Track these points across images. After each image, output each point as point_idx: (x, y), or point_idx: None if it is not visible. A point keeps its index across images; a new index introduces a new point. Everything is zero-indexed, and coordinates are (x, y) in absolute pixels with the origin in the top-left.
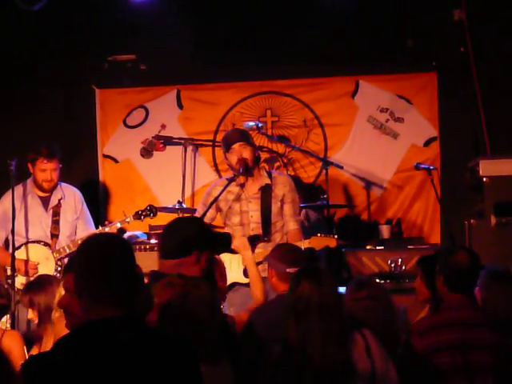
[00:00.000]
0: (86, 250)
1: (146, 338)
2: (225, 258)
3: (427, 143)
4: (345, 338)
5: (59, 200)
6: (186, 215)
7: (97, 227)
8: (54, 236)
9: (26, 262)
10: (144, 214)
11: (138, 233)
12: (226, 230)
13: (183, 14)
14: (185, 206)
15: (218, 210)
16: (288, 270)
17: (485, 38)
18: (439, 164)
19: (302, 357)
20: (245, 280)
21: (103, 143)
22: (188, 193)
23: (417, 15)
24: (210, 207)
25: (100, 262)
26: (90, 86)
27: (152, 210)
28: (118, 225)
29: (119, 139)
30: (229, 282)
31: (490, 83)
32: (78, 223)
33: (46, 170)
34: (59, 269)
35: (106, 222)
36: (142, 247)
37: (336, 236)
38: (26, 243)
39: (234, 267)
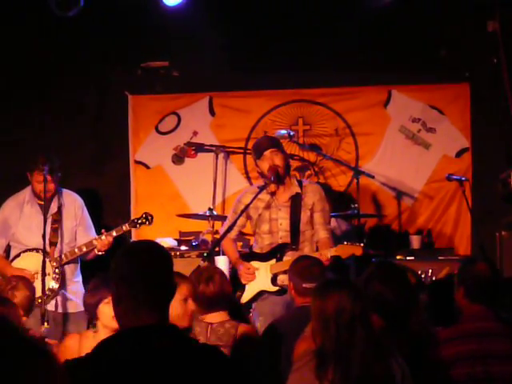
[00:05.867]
0: (127, 257)
1: (182, 346)
2: (254, 265)
3: (459, 154)
4: (383, 349)
5: (58, 207)
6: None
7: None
8: (53, 244)
9: (22, 270)
10: (140, 222)
11: (167, 239)
12: (256, 237)
13: (216, 22)
14: (215, 213)
15: (248, 217)
16: (304, 286)
17: None
18: (471, 175)
19: (342, 367)
20: (273, 288)
21: (135, 149)
22: (219, 200)
23: (450, 25)
24: (241, 215)
25: (141, 268)
26: (123, 91)
27: (148, 218)
28: (114, 233)
29: (151, 145)
30: (257, 291)
31: None
32: (78, 230)
33: (42, 181)
34: (57, 277)
35: (103, 231)
36: (173, 253)
37: (362, 244)
38: (25, 251)
39: (262, 275)
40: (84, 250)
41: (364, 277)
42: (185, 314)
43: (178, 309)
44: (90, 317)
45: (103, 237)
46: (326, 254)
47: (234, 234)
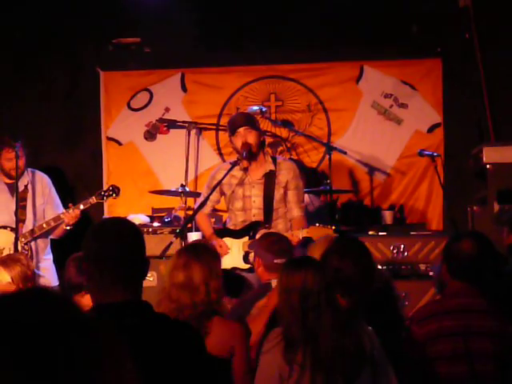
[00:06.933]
0: (97, 234)
1: (152, 323)
2: (226, 242)
3: (431, 129)
4: (351, 323)
5: (25, 186)
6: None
7: None
8: (21, 221)
9: None
10: (106, 194)
11: (140, 216)
12: (229, 214)
13: None
14: (188, 189)
15: (222, 193)
16: (276, 261)
17: (490, 24)
18: (443, 150)
19: (312, 349)
20: (245, 266)
21: (107, 126)
22: (191, 176)
23: (422, 1)
24: (213, 190)
25: (111, 245)
26: (95, 68)
27: (114, 190)
28: (81, 206)
29: (123, 122)
30: (229, 267)
31: (495, 70)
32: (46, 208)
33: (12, 158)
34: (26, 253)
35: (70, 205)
36: (145, 230)
37: (334, 227)
38: None
39: (234, 252)
40: (52, 224)
41: (322, 252)
42: None
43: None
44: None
45: (70, 210)
46: (298, 234)
47: (208, 209)
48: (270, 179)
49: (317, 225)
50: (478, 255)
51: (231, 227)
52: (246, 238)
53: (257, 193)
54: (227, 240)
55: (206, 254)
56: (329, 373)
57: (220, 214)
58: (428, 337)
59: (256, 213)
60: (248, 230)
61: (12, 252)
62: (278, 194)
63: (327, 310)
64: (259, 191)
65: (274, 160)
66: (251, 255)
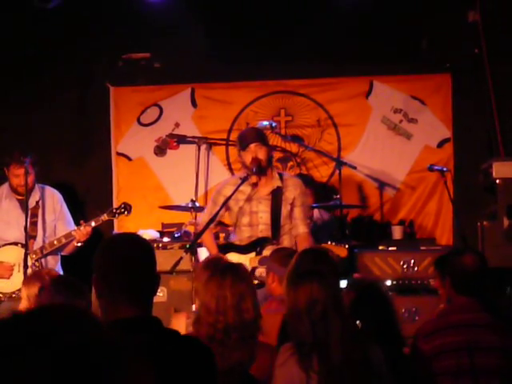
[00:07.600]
0: (108, 249)
1: (162, 339)
2: (232, 258)
3: (440, 144)
4: (360, 336)
5: (37, 202)
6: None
7: None
8: (32, 237)
9: (1, 263)
10: (118, 211)
11: (150, 231)
12: (235, 229)
13: (197, 13)
14: (198, 204)
15: (227, 208)
16: None
17: (499, 39)
18: (452, 165)
19: (321, 358)
20: None
21: (117, 141)
22: (201, 191)
23: (431, 16)
24: (222, 207)
25: (121, 261)
26: (105, 83)
27: (126, 208)
28: (93, 224)
29: (133, 137)
30: None
31: (504, 85)
32: (57, 224)
33: (19, 175)
34: (37, 269)
35: (82, 222)
36: (155, 245)
37: (347, 246)
38: (4, 245)
39: None
40: (63, 241)
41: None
42: None
43: None
44: None
45: (82, 227)
46: None
47: (212, 225)
48: (277, 196)
49: (329, 243)
50: (481, 270)
51: (237, 242)
52: (253, 254)
53: (264, 208)
54: (233, 255)
55: (248, 276)
56: (340, 382)
57: (229, 229)
58: (433, 352)
59: (263, 228)
60: (255, 245)
61: (22, 268)
62: (285, 210)
63: (335, 319)
64: (266, 207)
65: (281, 176)
66: (258, 271)
